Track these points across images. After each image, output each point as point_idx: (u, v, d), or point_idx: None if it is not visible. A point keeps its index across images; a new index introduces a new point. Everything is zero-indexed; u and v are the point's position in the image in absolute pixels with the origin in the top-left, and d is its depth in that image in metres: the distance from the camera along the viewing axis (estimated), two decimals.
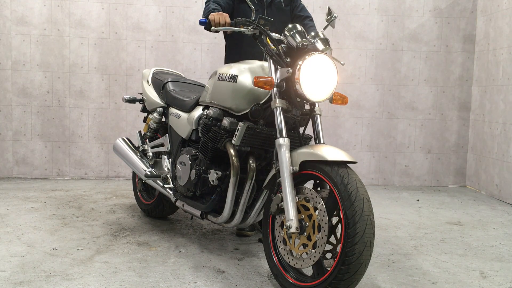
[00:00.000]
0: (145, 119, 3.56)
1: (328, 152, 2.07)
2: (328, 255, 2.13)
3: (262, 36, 2.38)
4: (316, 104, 2.39)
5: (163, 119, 3.32)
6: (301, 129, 2.46)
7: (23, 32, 4.67)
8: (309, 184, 2.24)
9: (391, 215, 3.78)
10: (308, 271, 2.29)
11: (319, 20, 4.86)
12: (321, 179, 2.11)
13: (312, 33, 2.37)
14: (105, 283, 2.26)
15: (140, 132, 3.53)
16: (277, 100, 2.25)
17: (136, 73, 4.80)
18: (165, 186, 3.07)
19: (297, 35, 2.27)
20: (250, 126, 2.40)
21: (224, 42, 3.28)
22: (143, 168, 3.21)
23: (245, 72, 2.49)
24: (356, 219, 1.92)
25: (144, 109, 3.56)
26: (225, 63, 3.18)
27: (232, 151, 2.44)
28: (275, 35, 2.41)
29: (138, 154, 3.40)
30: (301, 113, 2.35)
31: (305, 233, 2.10)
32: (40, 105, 4.74)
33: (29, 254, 2.63)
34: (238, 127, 2.41)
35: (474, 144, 4.91)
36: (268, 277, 2.40)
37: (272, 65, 2.32)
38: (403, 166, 5.00)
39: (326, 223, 2.01)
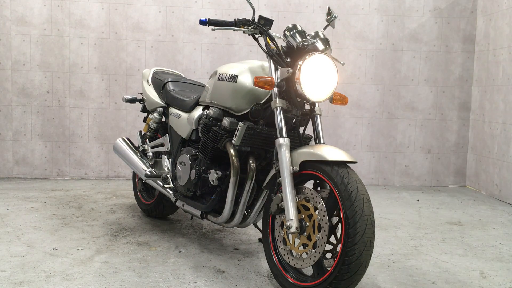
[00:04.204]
0: (145, 119, 3.57)
1: (328, 152, 2.07)
2: (328, 255, 2.13)
3: (263, 36, 2.39)
4: (316, 104, 2.38)
5: (163, 119, 3.32)
6: (301, 129, 2.46)
7: (23, 32, 4.67)
8: (309, 184, 2.24)
9: (391, 215, 3.78)
10: (308, 271, 2.29)
11: (319, 20, 4.86)
12: (321, 179, 2.11)
13: (312, 33, 2.37)
14: (105, 283, 2.26)
15: (140, 132, 3.53)
16: (277, 100, 2.25)
17: (136, 73, 4.80)
18: (165, 186, 3.07)
19: (297, 35, 2.27)
20: (250, 126, 2.40)
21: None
22: (143, 168, 3.21)
23: (245, 72, 2.49)
24: (356, 219, 1.92)
25: (144, 109, 3.56)
26: None
27: (232, 151, 2.44)
28: (275, 35, 2.41)
29: (138, 154, 3.40)
30: (301, 113, 2.35)
31: (305, 233, 2.10)
32: (40, 105, 4.74)
33: (29, 254, 2.63)
34: (238, 127, 2.41)
35: (474, 144, 4.91)
36: (268, 277, 2.40)
37: (272, 65, 2.32)
38: (403, 166, 5.00)
39: (326, 223, 2.01)
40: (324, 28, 2.52)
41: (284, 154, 2.16)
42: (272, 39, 2.34)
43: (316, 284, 2.05)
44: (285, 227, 2.11)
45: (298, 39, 2.26)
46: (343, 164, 2.07)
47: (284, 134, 2.20)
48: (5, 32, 4.66)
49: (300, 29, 2.31)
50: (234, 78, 2.51)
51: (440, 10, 4.88)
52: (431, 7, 4.88)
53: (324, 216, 2.02)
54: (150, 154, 3.37)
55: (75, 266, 2.47)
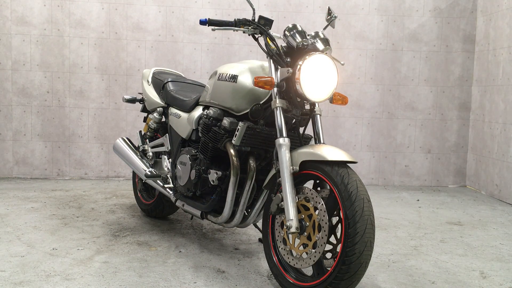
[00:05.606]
0: (145, 119, 3.57)
1: (328, 152, 2.07)
2: (328, 255, 2.13)
3: (263, 36, 2.39)
4: (316, 104, 2.39)
5: (163, 119, 3.32)
6: (301, 129, 2.46)
7: (23, 32, 4.67)
8: (309, 184, 2.24)
9: (391, 215, 3.78)
10: (308, 271, 2.29)
11: (319, 20, 4.86)
12: (321, 179, 2.11)
13: (312, 33, 2.37)
14: (105, 283, 2.26)
15: (140, 132, 3.53)
16: (277, 100, 2.25)
17: (136, 73, 4.80)
18: (165, 186, 3.07)
19: (297, 35, 2.27)
20: (250, 126, 2.40)
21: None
22: (143, 168, 3.21)
23: (245, 72, 2.49)
24: (356, 219, 1.92)
25: (144, 109, 3.56)
26: None
27: (232, 151, 2.44)
28: (275, 35, 2.41)
29: (138, 154, 3.40)
30: (301, 113, 2.35)
31: (305, 233, 2.10)
32: (40, 105, 4.74)
33: (29, 254, 2.63)
34: (238, 127, 2.41)
35: (474, 144, 4.91)
36: (268, 277, 2.40)
37: (272, 65, 2.32)
38: (403, 166, 5.00)
39: (326, 223, 2.01)
40: (324, 28, 2.52)
41: (284, 154, 2.16)
42: (272, 39, 2.34)
43: (316, 284, 2.05)
44: (285, 227, 2.11)
45: (298, 39, 2.26)
46: (343, 164, 2.07)
47: (284, 134, 2.20)
48: (5, 32, 4.66)
49: (300, 29, 2.31)
50: (234, 78, 2.51)
51: (440, 10, 4.88)
52: (431, 7, 4.88)
53: (324, 216, 2.02)
54: (150, 154, 3.37)
55: (75, 266, 2.47)
